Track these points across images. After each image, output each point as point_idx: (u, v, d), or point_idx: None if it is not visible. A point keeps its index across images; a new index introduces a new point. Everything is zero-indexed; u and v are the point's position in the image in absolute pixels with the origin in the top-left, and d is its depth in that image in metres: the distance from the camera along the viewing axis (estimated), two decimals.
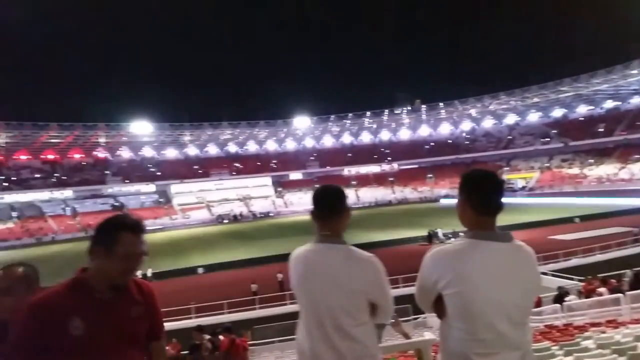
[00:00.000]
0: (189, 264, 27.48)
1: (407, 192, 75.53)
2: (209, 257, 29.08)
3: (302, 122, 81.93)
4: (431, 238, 28.26)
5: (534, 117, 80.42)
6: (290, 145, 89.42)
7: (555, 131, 74.21)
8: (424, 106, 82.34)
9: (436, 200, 67.87)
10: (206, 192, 76.04)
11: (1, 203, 64.30)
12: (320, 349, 1.79)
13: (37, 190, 67.91)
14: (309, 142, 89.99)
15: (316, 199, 1.98)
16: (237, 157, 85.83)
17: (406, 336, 3.17)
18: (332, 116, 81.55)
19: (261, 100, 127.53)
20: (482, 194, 1.69)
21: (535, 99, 74.03)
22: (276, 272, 20.36)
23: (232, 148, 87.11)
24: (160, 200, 73.47)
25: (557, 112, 77.71)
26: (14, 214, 62.99)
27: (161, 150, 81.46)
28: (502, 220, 1.73)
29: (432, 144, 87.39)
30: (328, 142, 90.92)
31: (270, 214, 68.89)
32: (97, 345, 1.59)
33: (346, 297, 1.81)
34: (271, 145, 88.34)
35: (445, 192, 69.15)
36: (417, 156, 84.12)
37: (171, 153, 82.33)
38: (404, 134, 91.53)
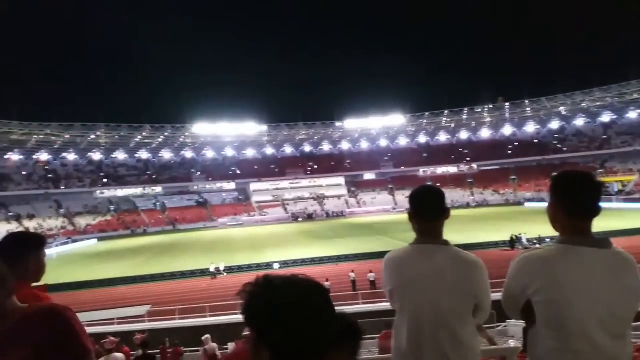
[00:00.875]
0: (266, 259, 28.49)
1: (487, 194, 71.93)
2: (284, 254, 29.92)
3: (376, 122, 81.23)
4: (514, 243, 26.84)
5: (633, 114, 72.69)
6: (364, 145, 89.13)
7: None
8: (507, 104, 77.72)
9: (519, 203, 63.91)
10: (282, 190, 78.45)
11: (101, 198, 71.41)
12: (425, 352, 1.76)
13: (131, 187, 74.55)
14: (384, 142, 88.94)
15: (417, 200, 1.95)
16: (312, 157, 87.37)
17: (491, 342, 3.04)
18: (407, 115, 79.89)
19: (335, 101, 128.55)
20: (576, 196, 1.57)
21: (636, 95, 66.76)
22: (350, 271, 20.47)
23: (307, 148, 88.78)
24: (240, 197, 77.13)
25: None
26: (112, 207, 69.62)
27: (241, 150, 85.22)
28: (596, 227, 1.59)
29: (515, 143, 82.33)
30: (403, 142, 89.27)
31: (343, 214, 69.25)
32: None
33: (455, 299, 1.78)
34: (345, 145, 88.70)
35: (530, 195, 64.87)
36: (499, 157, 79.74)
37: (250, 153, 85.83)
38: (485, 133, 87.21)
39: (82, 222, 62.73)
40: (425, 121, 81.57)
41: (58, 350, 1.50)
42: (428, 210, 1.91)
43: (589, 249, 1.52)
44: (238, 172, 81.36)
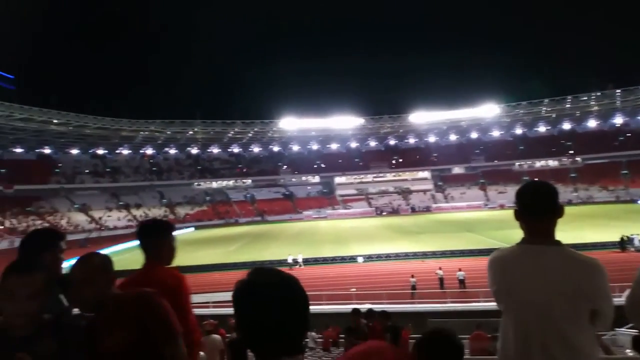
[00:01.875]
0: (350, 252, 28.54)
1: (593, 190, 65.08)
2: (368, 248, 29.73)
3: (466, 113, 77.32)
4: (625, 245, 23.97)
5: None
6: (452, 138, 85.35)
7: None
8: (618, 91, 69.36)
9: (632, 201, 56.93)
10: (366, 184, 78.16)
11: (198, 189, 76.84)
12: (534, 356, 1.65)
13: (224, 179, 79.20)
14: (474, 135, 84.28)
15: (525, 197, 1.84)
16: (397, 151, 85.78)
17: (607, 351, 2.69)
18: (502, 105, 74.84)
19: (418, 92, 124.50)
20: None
21: None
22: (437, 268, 19.72)
23: (392, 141, 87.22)
24: (324, 191, 78.32)
25: None
26: (207, 198, 74.61)
27: (326, 144, 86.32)
28: None
29: (628, 134, 73.32)
30: (496, 134, 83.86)
31: (429, 209, 67.17)
32: None
33: (568, 303, 1.63)
34: (432, 138, 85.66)
35: None
36: (608, 149, 71.53)
37: (334, 146, 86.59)
38: (592, 123, 78.79)
39: (181, 211, 68.06)
40: (522, 111, 75.80)
41: (150, 332, 1.66)
42: (538, 207, 1.78)
43: None
44: (323, 165, 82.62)
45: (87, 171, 70.08)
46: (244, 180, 79.70)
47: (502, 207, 60.90)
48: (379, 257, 26.66)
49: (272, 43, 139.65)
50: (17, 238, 36.80)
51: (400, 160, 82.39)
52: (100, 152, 73.05)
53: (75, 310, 2.05)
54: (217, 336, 6.08)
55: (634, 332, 7.55)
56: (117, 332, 1.65)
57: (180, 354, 1.73)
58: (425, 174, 78.89)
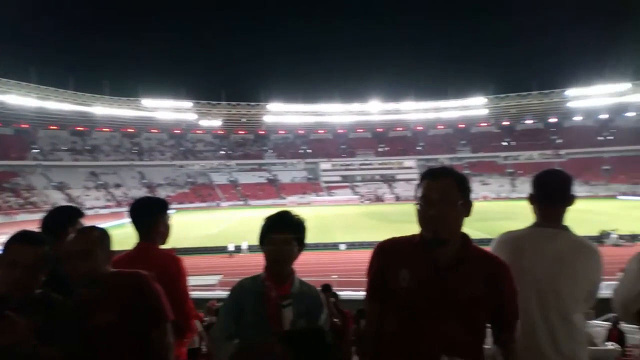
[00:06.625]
0: (332, 239, 28.11)
1: (575, 184, 65.72)
2: (351, 235, 29.34)
3: (454, 104, 77.25)
4: (602, 239, 24.23)
5: None
6: (440, 128, 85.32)
7: None
8: (602, 87, 69.82)
9: (612, 196, 57.61)
10: (351, 170, 77.81)
11: (180, 171, 75.44)
12: (539, 332, 1.79)
13: (207, 161, 77.99)
14: (462, 125, 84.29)
15: (543, 183, 1.97)
16: (384, 139, 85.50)
17: (590, 342, 2.70)
18: (490, 97, 74.84)
19: (412, 79, 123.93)
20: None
21: None
22: None
23: (380, 128, 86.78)
24: (309, 177, 77.74)
25: None
26: (189, 180, 73.39)
27: (313, 130, 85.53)
28: None
29: (612, 130, 74.16)
30: (482, 125, 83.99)
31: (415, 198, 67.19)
32: None
33: (574, 283, 1.81)
34: (419, 128, 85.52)
35: (625, 189, 58.31)
36: (592, 144, 72.33)
37: (321, 132, 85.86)
38: (577, 118, 79.44)
39: (162, 193, 66.80)
40: (509, 103, 76.18)
41: (141, 314, 1.68)
42: (556, 196, 1.93)
43: None
44: (309, 151, 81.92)
45: (66, 148, 68.15)
46: (227, 163, 78.52)
47: (485, 198, 61.13)
48: (361, 245, 26.31)
49: (259, 21, 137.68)
50: None
51: (387, 148, 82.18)
52: (80, 129, 71.10)
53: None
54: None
55: (607, 324, 7.54)
56: (108, 311, 1.65)
57: (166, 341, 1.75)
58: (411, 162, 78.70)
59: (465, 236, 1.53)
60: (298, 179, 77.12)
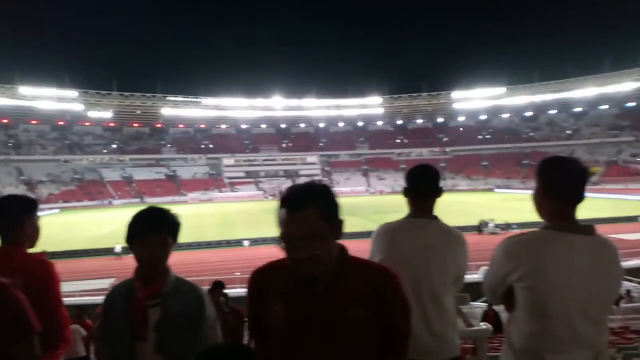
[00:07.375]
0: (236, 236, 27.79)
1: (458, 179, 72.91)
2: (255, 231, 29.28)
3: (353, 102, 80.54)
4: (481, 228, 27.55)
5: (604, 106, 74.98)
6: (340, 125, 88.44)
7: (627, 123, 68.80)
8: (484, 90, 78.34)
9: (490, 189, 65.04)
10: (255, 166, 77.24)
11: (65, 166, 68.38)
12: (414, 315, 1.69)
13: (97, 156, 71.82)
14: (360, 123, 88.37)
15: (414, 178, 2.07)
16: (288, 134, 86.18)
17: (468, 323, 2.91)
18: (386, 97, 79.45)
19: (322, 77, 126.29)
20: (565, 182, 1.57)
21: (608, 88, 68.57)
22: None
23: (283, 124, 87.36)
24: (212, 172, 75.47)
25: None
26: (76, 176, 66.89)
27: (215, 125, 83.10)
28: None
29: (490, 130, 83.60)
30: (379, 123, 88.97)
31: None
32: None
33: (445, 269, 1.97)
34: (321, 124, 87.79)
35: (500, 182, 66.22)
36: (473, 142, 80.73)
37: (223, 127, 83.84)
38: (461, 119, 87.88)
39: (44, 190, 60.07)
40: (401, 103, 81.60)
41: (2, 325, 1.47)
42: (424, 187, 2.06)
43: (573, 235, 1.52)
44: (211, 146, 79.49)
45: None
46: (120, 158, 72.96)
47: (381, 192, 65.03)
48: (264, 241, 26.38)
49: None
50: None
51: (290, 144, 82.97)
52: None
53: None
54: (74, 326, 5.49)
55: (483, 305, 8.50)
56: None
57: (32, 355, 1.52)
58: (314, 158, 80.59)
59: (341, 249, 1.45)
60: (199, 175, 74.46)
